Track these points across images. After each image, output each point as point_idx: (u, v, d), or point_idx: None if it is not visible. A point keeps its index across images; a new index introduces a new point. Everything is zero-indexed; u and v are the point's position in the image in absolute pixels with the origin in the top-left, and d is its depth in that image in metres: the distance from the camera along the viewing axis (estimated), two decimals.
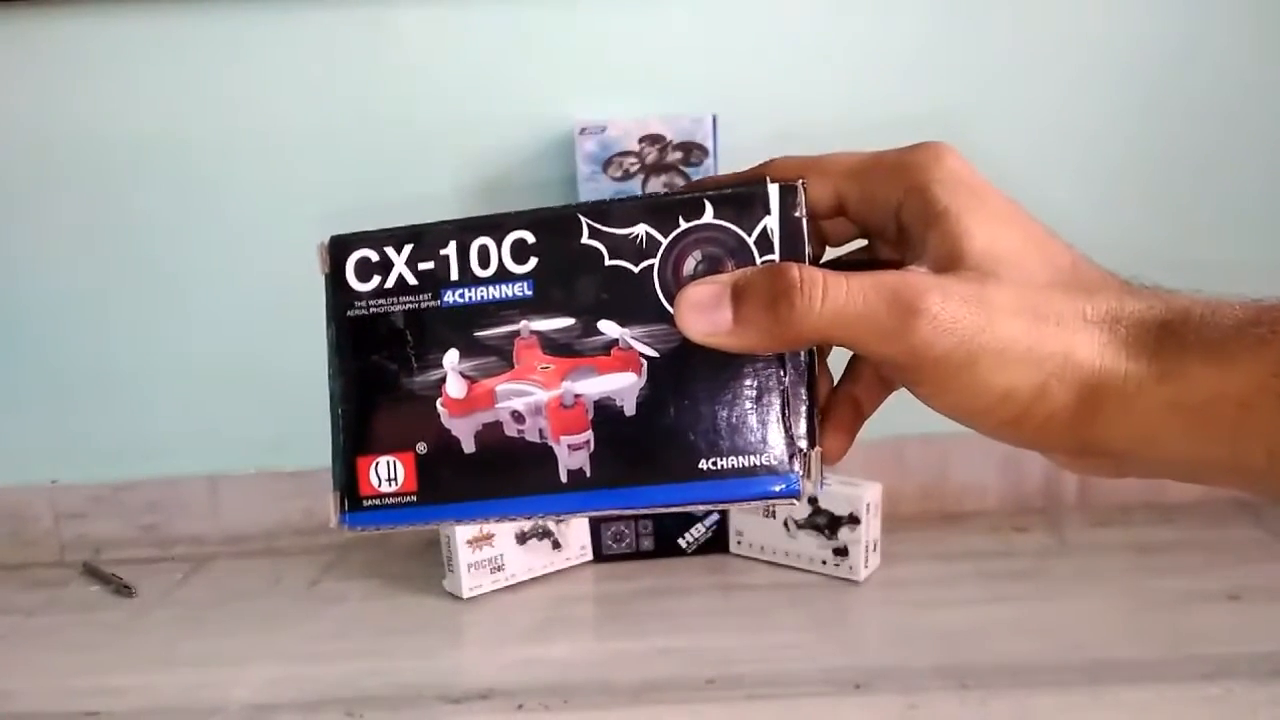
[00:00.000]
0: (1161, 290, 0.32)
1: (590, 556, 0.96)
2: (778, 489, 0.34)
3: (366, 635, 0.86)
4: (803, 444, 0.34)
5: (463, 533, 0.88)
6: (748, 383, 0.34)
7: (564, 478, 0.35)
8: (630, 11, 0.95)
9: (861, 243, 0.38)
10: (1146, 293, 0.32)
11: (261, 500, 1.05)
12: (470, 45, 0.96)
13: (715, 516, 0.96)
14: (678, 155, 0.90)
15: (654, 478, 0.34)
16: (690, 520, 0.96)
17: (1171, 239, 0.97)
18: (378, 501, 0.36)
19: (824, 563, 0.91)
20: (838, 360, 0.37)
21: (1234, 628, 0.78)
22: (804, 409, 0.34)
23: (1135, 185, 0.98)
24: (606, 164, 0.91)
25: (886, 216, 0.34)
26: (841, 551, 0.90)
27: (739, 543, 0.96)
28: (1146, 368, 0.30)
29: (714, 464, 0.34)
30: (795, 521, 0.92)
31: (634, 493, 0.35)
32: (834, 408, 0.36)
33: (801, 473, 0.34)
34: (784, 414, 0.34)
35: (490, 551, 0.90)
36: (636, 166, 0.91)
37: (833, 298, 0.31)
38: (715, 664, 0.77)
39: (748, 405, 0.34)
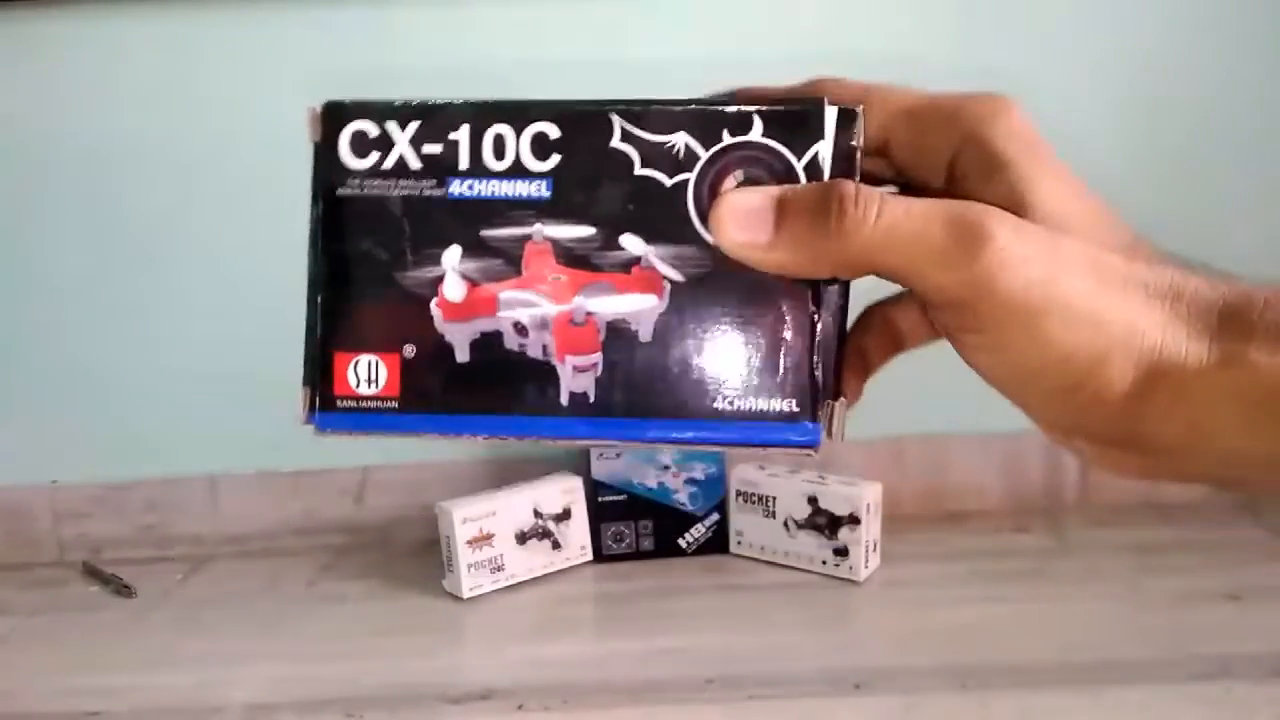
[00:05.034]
0: (1220, 273, 0.30)
1: (590, 556, 0.96)
2: (796, 438, 0.31)
3: (366, 635, 0.86)
4: (828, 393, 0.31)
5: (462, 533, 0.88)
6: (776, 320, 0.31)
7: (565, 401, 0.32)
8: (630, 10, 0.95)
9: (893, 189, 0.35)
10: (1205, 273, 0.29)
11: (261, 500, 1.05)
12: (470, 45, 0.96)
13: (715, 516, 0.96)
14: None
15: (663, 411, 0.31)
16: (690, 520, 0.96)
17: (1173, 241, 0.97)
18: (354, 404, 0.33)
19: (824, 563, 0.91)
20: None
21: (1234, 628, 0.78)
22: (833, 356, 0.31)
23: (1139, 184, 0.98)
24: None
25: (936, 163, 0.32)
26: (841, 551, 0.90)
27: (739, 543, 0.96)
28: (1207, 350, 0.27)
29: (730, 404, 0.31)
30: (795, 521, 0.92)
31: (640, 425, 0.32)
32: (843, 358, 0.33)
33: (823, 425, 0.31)
34: (811, 358, 0.31)
35: (490, 551, 0.90)
36: None
37: (889, 214, 0.28)
38: (715, 664, 0.77)
39: (774, 344, 0.31)
